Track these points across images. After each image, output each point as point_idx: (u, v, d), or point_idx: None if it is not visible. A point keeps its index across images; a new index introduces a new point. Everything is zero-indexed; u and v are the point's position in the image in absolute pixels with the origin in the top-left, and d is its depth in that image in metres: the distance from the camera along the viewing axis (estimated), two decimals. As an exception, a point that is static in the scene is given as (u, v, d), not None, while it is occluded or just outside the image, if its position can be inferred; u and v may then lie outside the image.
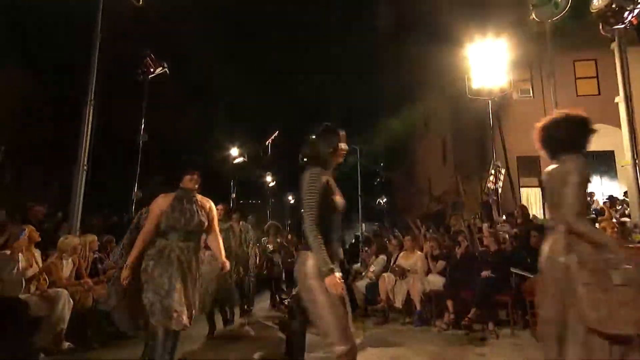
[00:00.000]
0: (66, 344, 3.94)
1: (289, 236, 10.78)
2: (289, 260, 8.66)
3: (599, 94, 15.32)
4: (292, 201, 25.66)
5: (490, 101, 9.61)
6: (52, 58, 12.13)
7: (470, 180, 16.28)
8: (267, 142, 19.52)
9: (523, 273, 4.96)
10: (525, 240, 5.39)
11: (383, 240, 7.79)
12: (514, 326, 4.90)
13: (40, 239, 4.24)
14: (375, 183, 43.59)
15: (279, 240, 8.40)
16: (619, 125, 15.19)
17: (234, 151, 13.01)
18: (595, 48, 14.31)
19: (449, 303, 5.29)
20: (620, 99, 7.40)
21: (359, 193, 24.59)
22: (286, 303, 4.64)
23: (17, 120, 11.43)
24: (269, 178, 19.46)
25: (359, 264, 8.54)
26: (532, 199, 15.30)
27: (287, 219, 26.67)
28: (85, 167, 6.31)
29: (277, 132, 19.65)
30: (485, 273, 5.07)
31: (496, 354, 4.12)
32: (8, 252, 3.80)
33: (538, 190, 15.35)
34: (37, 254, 4.24)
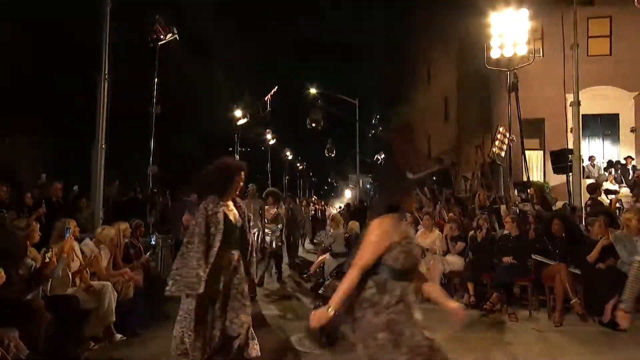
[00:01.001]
0: (118, 336, 4.15)
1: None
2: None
3: (610, 54, 15.19)
4: (289, 157, 25.69)
5: (508, 73, 9.49)
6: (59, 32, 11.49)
7: (472, 141, 16.44)
8: (267, 98, 19.22)
9: (544, 260, 5.24)
10: (546, 225, 5.61)
11: None
12: (532, 309, 5.25)
13: (79, 234, 4.32)
14: (370, 135, 43.57)
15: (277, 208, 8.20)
16: (627, 88, 15.25)
17: (238, 112, 12.84)
18: (613, 3, 14.03)
19: (470, 286, 5.60)
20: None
21: (357, 149, 24.74)
22: (320, 292, 4.84)
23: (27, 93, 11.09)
24: (268, 136, 19.35)
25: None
26: (533, 161, 15.53)
27: (285, 176, 26.93)
28: (104, 146, 6.26)
29: (276, 87, 19.30)
30: (507, 259, 5.33)
31: (520, 341, 4.45)
32: (55, 249, 3.88)
33: (540, 153, 15.61)
34: (77, 246, 4.33)
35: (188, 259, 2.97)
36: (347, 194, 47.85)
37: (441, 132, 19.71)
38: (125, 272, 4.63)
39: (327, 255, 6.98)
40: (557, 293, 4.92)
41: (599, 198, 8.89)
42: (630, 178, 13.25)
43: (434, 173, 18.99)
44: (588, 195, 9.13)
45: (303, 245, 10.07)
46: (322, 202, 24.40)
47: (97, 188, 6.28)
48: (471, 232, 6.44)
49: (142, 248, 5.45)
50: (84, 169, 6.67)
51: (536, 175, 15.27)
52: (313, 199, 34.43)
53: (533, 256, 5.32)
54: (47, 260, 3.49)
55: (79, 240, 4.56)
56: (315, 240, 14.64)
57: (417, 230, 6.88)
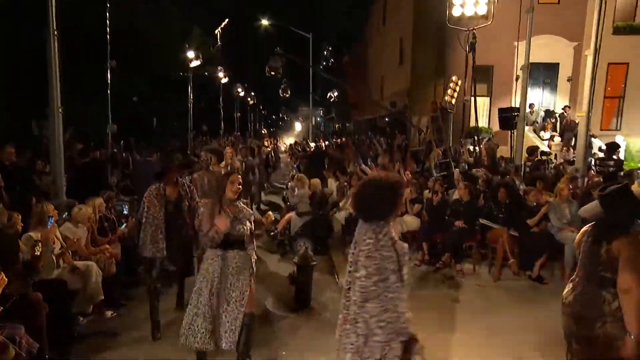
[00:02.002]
0: (109, 313, 4.45)
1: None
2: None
3: (559, 2, 15.78)
4: (241, 93, 25.01)
5: (468, 32, 9.76)
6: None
7: (425, 86, 16.94)
8: (216, 32, 18.29)
9: (490, 224, 6.03)
10: (493, 192, 6.34)
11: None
12: (476, 265, 6.12)
13: (58, 217, 4.39)
14: (322, 66, 42.90)
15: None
16: (569, 37, 16.08)
17: (190, 53, 12.22)
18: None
19: (424, 245, 6.35)
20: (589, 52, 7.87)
21: (310, 85, 24.54)
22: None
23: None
24: (221, 74, 18.64)
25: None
26: (480, 107, 16.40)
27: (237, 112, 26.35)
28: (60, 109, 6.00)
29: (227, 20, 18.33)
30: (458, 223, 6.05)
31: (465, 297, 5.28)
32: (39, 235, 3.98)
33: (487, 100, 16.47)
34: (56, 229, 4.41)
35: None
36: (298, 126, 47.97)
37: (395, 75, 19.99)
38: (105, 249, 4.81)
39: (292, 214, 7.39)
40: (498, 253, 5.77)
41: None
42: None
43: (387, 116, 19.64)
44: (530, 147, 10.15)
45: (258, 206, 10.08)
46: (275, 141, 24.21)
47: (56, 154, 6.11)
48: (426, 193, 7.13)
49: (115, 219, 5.57)
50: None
51: (482, 122, 16.27)
52: (263, 133, 34.23)
53: (481, 220, 6.10)
54: (38, 253, 3.62)
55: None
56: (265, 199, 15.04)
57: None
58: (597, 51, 8.06)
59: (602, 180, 6.80)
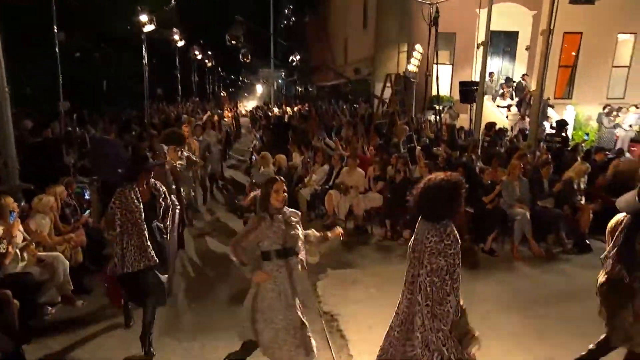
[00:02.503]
0: (79, 302, 4.53)
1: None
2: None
3: (524, -32, 16.02)
4: (199, 56, 24.12)
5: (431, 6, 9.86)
6: None
7: (389, 52, 17.00)
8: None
9: (448, 201, 6.42)
10: (453, 171, 6.69)
11: (325, 153, 8.58)
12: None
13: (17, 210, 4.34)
14: (282, 25, 41.65)
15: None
16: (528, 6, 16.45)
17: (143, 17, 11.62)
18: None
19: (387, 222, 6.71)
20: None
21: (271, 49, 23.99)
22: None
23: None
24: (176, 37, 17.84)
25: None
26: (443, 76, 16.72)
27: (195, 77, 25.43)
28: (7, 89, 5.73)
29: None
30: (419, 200, 6.40)
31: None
32: (1, 229, 3.95)
33: (449, 68, 16.79)
34: (18, 222, 4.37)
35: None
36: (259, 89, 47.00)
37: (359, 40, 19.87)
38: (69, 238, 4.82)
39: (259, 192, 7.51)
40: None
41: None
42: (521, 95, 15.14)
43: (352, 83, 19.66)
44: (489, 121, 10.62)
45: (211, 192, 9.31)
46: (235, 109, 23.53)
47: (6, 135, 5.88)
48: (390, 169, 7.44)
49: (76, 205, 5.53)
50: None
51: (444, 90, 16.66)
52: (223, 95, 33.34)
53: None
54: (3, 250, 3.63)
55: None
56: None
57: (342, 167, 7.71)
58: (552, 20, 8.40)
59: (550, 157, 7.34)
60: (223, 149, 10.99)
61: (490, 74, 16.11)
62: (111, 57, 21.09)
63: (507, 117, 14.58)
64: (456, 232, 2.69)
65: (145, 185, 3.72)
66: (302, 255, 3.24)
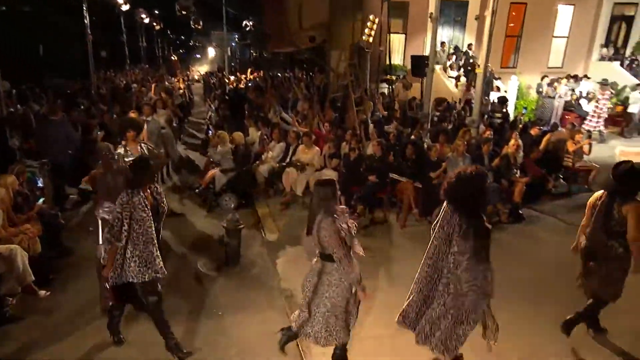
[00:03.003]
0: (42, 292, 4.58)
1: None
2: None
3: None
4: (146, 20, 22.82)
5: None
6: None
7: (344, 20, 16.85)
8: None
9: (398, 178, 6.82)
10: (402, 149, 7.08)
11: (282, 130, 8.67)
12: (386, 212, 6.99)
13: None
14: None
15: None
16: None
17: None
18: None
19: (342, 198, 7.01)
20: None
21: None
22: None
23: None
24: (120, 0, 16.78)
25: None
26: (396, 44, 16.90)
27: (142, 41, 24.10)
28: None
29: None
30: (372, 178, 6.76)
31: (376, 245, 6.12)
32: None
33: (402, 37, 16.96)
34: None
35: None
36: (211, 52, 45.28)
37: (314, 6, 19.46)
38: (26, 228, 4.79)
39: (216, 171, 7.58)
40: (405, 203, 6.64)
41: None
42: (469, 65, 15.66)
43: (307, 51, 19.37)
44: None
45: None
46: (187, 78, 22.36)
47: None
48: (344, 147, 7.71)
49: (28, 193, 5.43)
50: None
51: (397, 59, 16.89)
52: (173, 59, 31.92)
53: (391, 175, 6.86)
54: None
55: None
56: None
57: (298, 145, 7.90)
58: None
59: (492, 133, 7.84)
60: (178, 125, 10.64)
61: (442, 43, 16.48)
62: (46, 15, 19.44)
63: (456, 86, 15.10)
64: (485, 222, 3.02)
65: (148, 190, 3.53)
66: None
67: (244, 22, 23.22)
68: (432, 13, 12.72)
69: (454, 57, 16.06)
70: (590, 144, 8.19)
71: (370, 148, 7.30)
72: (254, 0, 25.51)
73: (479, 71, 8.57)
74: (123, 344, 3.95)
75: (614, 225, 3.59)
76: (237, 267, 5.63)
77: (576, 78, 15.46)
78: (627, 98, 13.89)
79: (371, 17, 13.90)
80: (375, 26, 14.28)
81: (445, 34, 16.93)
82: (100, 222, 4.04)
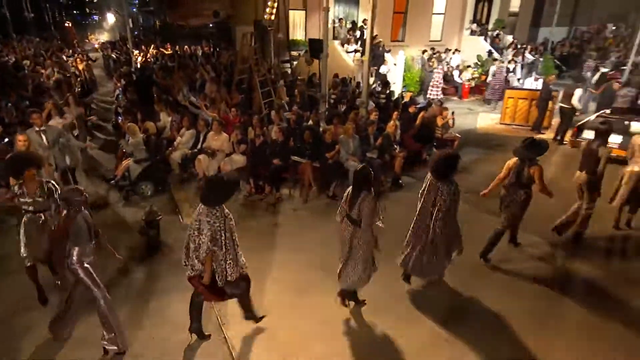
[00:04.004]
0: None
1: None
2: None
3: None
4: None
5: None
6: None
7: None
8: None
9: (299, 159, 7.44)
10: (301, 134, 7.64)
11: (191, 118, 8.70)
12: (290, 190, 7.62)
13: None
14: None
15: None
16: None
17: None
18: None
19: (251, 180, 7.52)
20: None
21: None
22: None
23: None
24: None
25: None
26: (297, 20, 17.04)
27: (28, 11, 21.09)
28: None
29: None
30: (276, 161, 7.30)
31: (284, 221, 6.77)
32: None
33: (303, 13, 17.10)
34: None
35: None
36: (111, 19, 40.93)
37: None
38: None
39: (130, 161, 7.54)
40: (305, 181, 7.31)
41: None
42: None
43: (211, 26, 18.72)
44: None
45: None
46: (87, 58, 19.36)
47: None
48: (250, 132, 8.10)
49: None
50: None
51: (299, 34, 17.11)
52: (67, 25, 28.48)
53: (292, 157, 7.45)
54: None
55: None
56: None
57: (208, 132, 8.09)
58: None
59: (378, 112, 8.69)
60: (82, 128, 9.06)
61: (340, 19, 16.94)
62: None
63: (353, 61, 15.82)
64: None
65: None
66: None
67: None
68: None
69: (351, 31, 16.61)
70: (453, 119, 9.47)
71: (274, 134, 7.76)
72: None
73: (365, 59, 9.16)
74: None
75: (523, 180, 5.01)
76: (159, 253, 5.90)
77: (447, 52, 16.95)
78: (487, 70, 15.69)
79: (271, -3, 13.88)
80: (276, 4, 14.32)
81: (341, 10, 17.38)
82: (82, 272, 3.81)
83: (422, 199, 4.50)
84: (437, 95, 13.88)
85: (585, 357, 4.08)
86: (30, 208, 4.35)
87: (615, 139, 8.53)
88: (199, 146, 8.05)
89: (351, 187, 4.17)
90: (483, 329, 4.43)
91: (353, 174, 4.19)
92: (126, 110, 9.86)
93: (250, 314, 4.37)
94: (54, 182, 4.47)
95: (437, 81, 14.20)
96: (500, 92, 13.83)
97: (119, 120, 9.84)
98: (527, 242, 5.96)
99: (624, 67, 13.95)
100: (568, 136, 10.22)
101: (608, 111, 9.92)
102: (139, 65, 15.67)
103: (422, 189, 4.53)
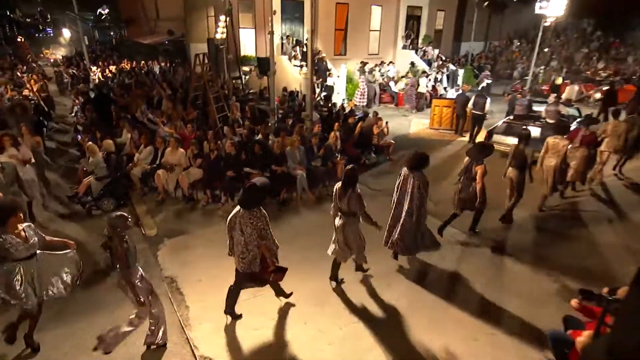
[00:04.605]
0: None
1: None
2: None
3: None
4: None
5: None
6: None
7: (199, 16, 16.30)
8: None
9: (250, 171, 7.60)
10: (252, 147, 7.81)
11: (150, 135, 8.59)
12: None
13: None
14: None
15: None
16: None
17: None
18: None
19: (207, 190, 7.59)
20: None
21: None
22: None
23: None
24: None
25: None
26: (247, 38, 17.02)
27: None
28: None
29: None
30: (229, 173, 7.43)
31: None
32: None
33: (252, 31, 17.10)
34: None
35: None
36: (66, 33, 38.42)
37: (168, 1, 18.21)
38: None
39: (91, 179, 7.38)
40: (257, 190, 7.50)
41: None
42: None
43: (167, 44, 18.26)
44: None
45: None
46: (43, 78, 17.60)
47: None
48: (205, 146, 8.15)
49: None
50: None
51: (250, 51, 17.10)
52: (20, 40, 26.53)
53: (245, 169, 7.61)
54: None
55: None
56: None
57: (165, 148, 8.05)
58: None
59: (320, 125, 9.02)
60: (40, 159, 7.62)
61: (288, 36, 17.11)
62: None
63: (300, 74, 16.08)
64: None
65: None
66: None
67: (99, 11, 20.41)
68: (275, 11, 13.23)
69: (297, 47, 16.85)
70: (387, 127, 10.00)
71: (227, 147, 7.87)
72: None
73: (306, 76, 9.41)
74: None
75: (472, 175, 5.75)
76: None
77: (382, 64, 17.63)
78: (418, 80, 16.51)
79: (222, 17, 13.84)
80: (226, 24, 14.28)
81: (289, 28, 17.55)
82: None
83: (399, 188, 5.18)
84: (361, 102, 14.80)
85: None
86: (25, 254, 3.88)
87: (514, 141, 9.42)
88: (157, 162, 8.00)
89: (340, 184, 4.72)
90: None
91: (343, 174, 4.73)
92: (85, 128, 9.56)
93: (282, 291, 4.77)
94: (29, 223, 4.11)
95: (363, 89, 15.14)
96: (413, 99, 15.41)
97: (79, 138, 9.52)
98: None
99: (527, 77, 15.21)
100: (480, 139, 11.06)
101: (512, 117, 10.85)
102: (97, 81, 15.04)
103: (398, 181, 5.22)
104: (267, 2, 16.11)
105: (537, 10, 14.99)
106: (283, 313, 4.81)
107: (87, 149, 7.40)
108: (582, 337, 3.28)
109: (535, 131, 9.75)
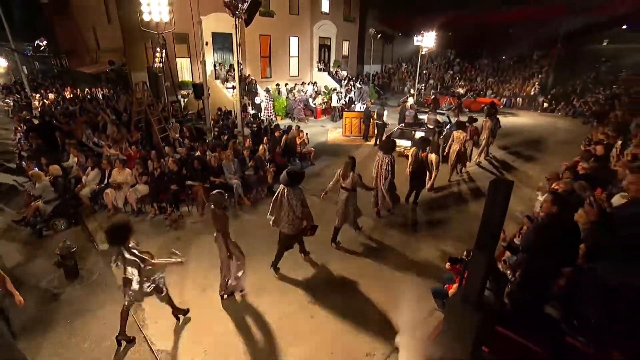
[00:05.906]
0: None
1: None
2: None
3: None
4: None
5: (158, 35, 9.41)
6: None
7: (138, 46, 15.10)
8: None
9: (192, 183, 7.43)
10: (192, 163, 7.62)
11: (96, 158, 7.94)
12: (189, 207, 7.56)
13: None
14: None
15: None
16: (232, 15, 17.12)
17: None
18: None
19: (154, 204, 7.27)
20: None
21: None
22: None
23: None
24: None
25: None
26: (184, 66, 16.27)
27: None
28: None
29: None
30: (173, 186, 7.18)
31: (185, 235, 6.73)
32: None
33: (188, 60, 16.38)
34: None
35: None
36: (2, 62, 32.91)
37: (107, 31, 16.60)
38: None
39: (39, 202, 6.67)
40: (199, 200, 7.34)
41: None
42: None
43: (109, 72, 16.67)
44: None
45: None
46: None
47: None
48: (150, 164, 7.76)
49: None
50: None
51: (187, 76, 16.36)
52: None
53: (187, 182, 7.41)
54: None
55: None
56: None
57: (112, 169, 7.52)
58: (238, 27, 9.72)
59: (251, 139, 9.04)
60: None
61: (220, 63, 16.68)
62: None
63: (232, 96, 15.81)
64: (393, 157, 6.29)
65: None
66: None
67: (36, 42, 17.93)
68: (207, 42, 12.79)
69: (231, 72, 16.54)
70: (308, 138, 10.33)
71: (170, 164, 7.59)
72: (40, 15, 19.79)
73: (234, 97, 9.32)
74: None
75: (419, 161, 6.70)
76: (78, 278, 5.46)
77: (303, 84, 18.01)
78: (331, 96, 17.19)
79: (158, 49, 13.04)
80: (163, 54, 13.48)
81: (221, 56, 17.11)
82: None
83: (377, 167, 6.26)
84: (269, 116, 15.20)
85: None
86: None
87: (406, 143, 10.35)
88: (105, 181, 7.45)
89: (343, 167, 5.65)
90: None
91: (349, 160, 5.66)
92: (30, 156, 8.52)
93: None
94: None
95: (267, 103, 15.53)
96: (299, 111, 16.07)
97: (23, 165, 8.46)
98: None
99: (413, 92, 16.55)
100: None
101: (403, 125, 11.83)
102: (39, 110, 13.35)
103: (375, 161, 6.29)
104: (198, 35, 15.53)
105: (416, 42, 16.42)
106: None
107: (32, 175, 6.66)
108: (452, 289, 3.89)
109: (419, 134, 10.80)
